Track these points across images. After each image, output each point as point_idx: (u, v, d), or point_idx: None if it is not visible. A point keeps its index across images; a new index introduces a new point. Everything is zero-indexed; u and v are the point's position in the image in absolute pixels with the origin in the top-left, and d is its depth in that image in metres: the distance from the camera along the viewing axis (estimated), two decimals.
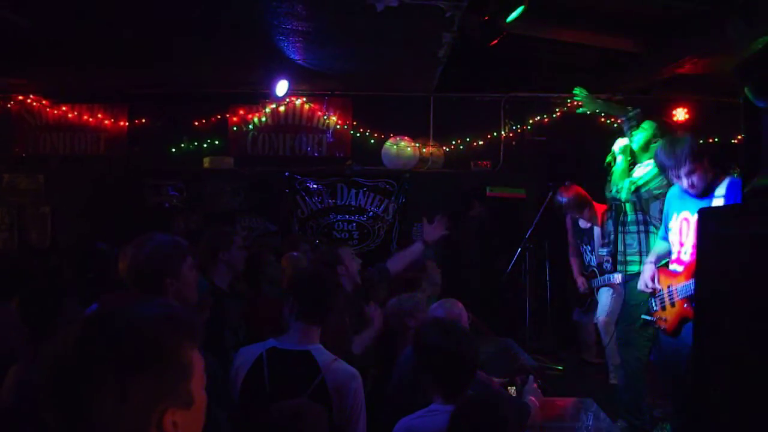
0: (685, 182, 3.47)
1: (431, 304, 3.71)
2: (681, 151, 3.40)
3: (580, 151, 7.05)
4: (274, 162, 7.67)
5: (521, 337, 5.87)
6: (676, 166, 3.44)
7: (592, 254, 5.73)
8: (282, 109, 7.74)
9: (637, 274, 3.98)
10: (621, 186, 4.44)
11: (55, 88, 7.59)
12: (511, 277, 6.13)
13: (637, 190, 4.34)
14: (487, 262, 6.94)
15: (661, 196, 4.13)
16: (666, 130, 4.52)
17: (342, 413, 2.33)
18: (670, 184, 3.89)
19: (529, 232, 5.92)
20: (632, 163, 4.60)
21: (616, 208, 4.55)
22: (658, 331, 3.74)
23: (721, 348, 1.63)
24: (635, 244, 4.34)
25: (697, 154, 3.41)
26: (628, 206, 4.42)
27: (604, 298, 5.54)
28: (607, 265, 5.28)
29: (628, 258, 4.36)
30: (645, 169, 4.37)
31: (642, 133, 4.56)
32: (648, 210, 4.32)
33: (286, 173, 7.45)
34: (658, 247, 3.90)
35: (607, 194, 4.62)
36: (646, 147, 4.48)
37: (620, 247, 4.44)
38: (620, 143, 4.72)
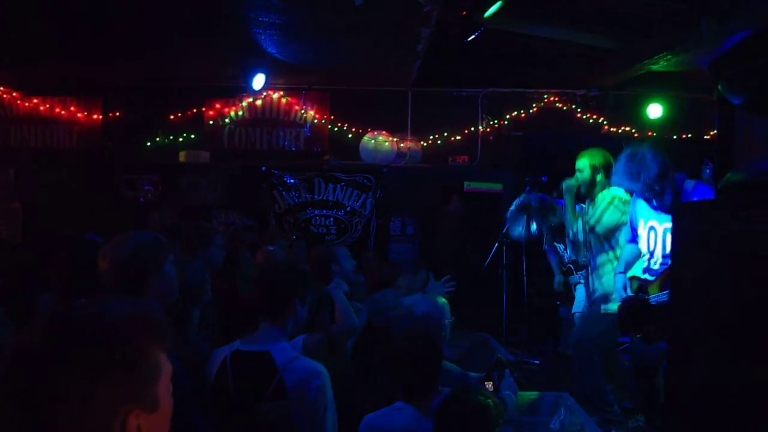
0: (654, 203, 3.46)
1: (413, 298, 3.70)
2: (646, 174, 3.32)
3: (557, 145, 7.10)
4: (250, 156, 7.64)
5: (498, 332, 5.90)
6: (643, 190, 3.38)
7: (567, 251, 5.77)
8: (259, 103, 7.69)
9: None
10: (576, 228, 4.44)
11: (25, 80, 7.45)
12: (488, 271, 6.15)
13: (592, 229, 4.34)
14: (464, 257, 6.96)
15: (622, 225, 4.10)
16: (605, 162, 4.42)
17: (304, 412, 2.29)
18: (624, 213, 3.90)
19: (507, 226, 5.94)
20: (583, 199, 4.59)
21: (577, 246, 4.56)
22: (633, 338, 3.76)
23: (697, 347, 1.65)
24: (609, 279, 4.19)
25: (664, 174, 3.34)
26: (593, 242, 4.38)
27: (581, 293, 5.59)
28: (584, 260, 5.33)
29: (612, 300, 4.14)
30: (597, 204, 4.35)
31: (582, 172, 4.51)
32: (613, 241, 4.27)
33: (263, 168, 7.41)
34: (626, 253, 3.85)
35: (568, 238, 4.63)
36: (592, 183, 4.45)
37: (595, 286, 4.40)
38: (566, 183, 4.70)
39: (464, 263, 6.90)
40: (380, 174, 7.47)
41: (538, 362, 5.71)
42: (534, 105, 7.71)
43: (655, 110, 7.50)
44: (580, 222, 4.46)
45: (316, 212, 7.46)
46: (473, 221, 7.05)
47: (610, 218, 4.25)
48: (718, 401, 1.50)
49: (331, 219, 7.47)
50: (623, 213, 4.15)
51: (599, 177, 4.50)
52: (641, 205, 3.65)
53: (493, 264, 6.12)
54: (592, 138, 6.91)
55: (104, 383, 0.97)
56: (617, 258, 4.17)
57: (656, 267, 3.53)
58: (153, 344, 1.05)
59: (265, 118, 7.73)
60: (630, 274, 3.73)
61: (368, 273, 4.71)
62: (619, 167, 3.49)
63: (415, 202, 7.43)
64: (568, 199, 4.63)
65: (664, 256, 3.47)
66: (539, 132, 7.50)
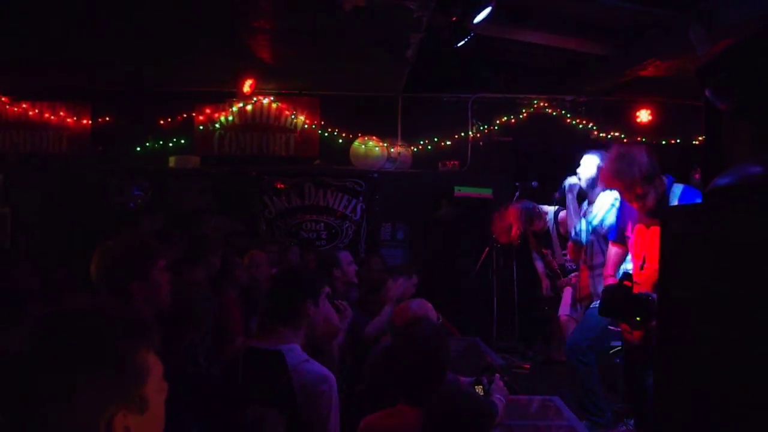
0: (636, 204, 3.43)
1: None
2: (632, 173, 3.28)
3: (546, 150, 7.14)
4: (241, 161, 7.62)
5: (488, 336, 5.91)
6: (627, 187, 3.35)
7: (553, 257, 5.80)
8: (249, 108, 7.67)
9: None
10: (579, 228, 4.46)
11: (14, 85, 7.41)
12: (478, 276, 6.17)
13: (594, 230, 4.35)
14: (455, 262, 6.98)
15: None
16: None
17: (309, 413, 2.32)
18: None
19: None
20: (583, 198, 4.63)
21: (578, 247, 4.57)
22: (623, 340, 3.76)
23: (685, 350, 1.66)
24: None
25: (649, 177, 3.30)
26: (594, 243, 4.38)
27: (567, 296, 5.61)
28: (570, 265, 5.35)
29: None
30: (599, 204, 4.37)
31: (586, 170, 4.55)
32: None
33: (253, 173, 7.42)
34: (613, 254, 3.84)
35: (571, 237, 4.63)
36: (594, 182, 4.47)
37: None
38: (569, 181, 4.72)
39: (454, 268, 6.92)
40: (371, 179, 7.48)
41: (528, 366, 5.72)
42: (524, 110, 7.74)
43: (643, 116, 7.56)
44: (582, 222, 4.46)
45: (307, 217, 7.47)
46: (463, 226, 7.07)
47: (612, 219, 4.22)
48: (707, 404, 1.51)
49: (322, 224, 7.48)
50: (621, 212, 4.17)
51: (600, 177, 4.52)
52: (628, 208, 3.66)
53: (484, 269, 6.15)
54: (581, 143, 6.95)
55: (89, 383, 0.98)
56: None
57: (642, 270, 3.53)
58: (139, 345, 1.05)
59: (255, 124, 7.71)
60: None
61: (360, 275, 4.74)
62: (607, 165, 3.47)
63: (405, 207, 7.44)
64: (570, 198, 4.64)
65: (650, 260, 3.47)
66: (529, 137, 7.54)
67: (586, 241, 4.44)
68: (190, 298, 2.57)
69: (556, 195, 4.91)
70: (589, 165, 4.55)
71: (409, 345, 2.50)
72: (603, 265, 4.25)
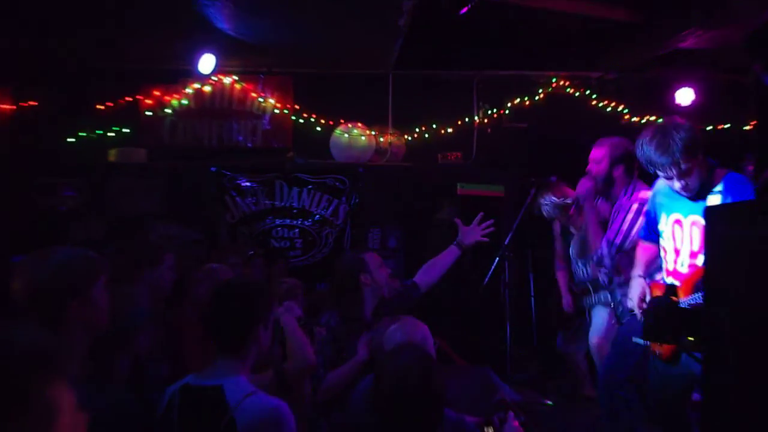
0: (677, 184, 3.48)
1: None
2: (674, 146, 3.35)
3: (569, 139, 7.16)
4: (197, 154, 7.60)
5: (501, 365, 5.91)
6: (667, 164, 3.41)
7: (585, 267, 5.82)
8: (207, 89, 7.65)
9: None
10: (602, 252, 4.46)
11: None
12: (487, 292, 6.17)
13: (619, 249, 4.37)
14: (458, 275, 6.96)
15: None
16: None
17: None
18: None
19: (509, 237, 5.98)
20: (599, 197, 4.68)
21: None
22: (652, 357, 3.79)
23: (737, 370, 1.68)
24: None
25: (693, 150, 3.37)
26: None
27: (599, 317, 5.62)
28: (604, 279, 5.39)
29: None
30: (619, 219, 4.41)
31: (598, 164, 4.60)
32: None
33: (213, 168, 7.41)
34: (644, 253, 3.92)
35: (593, 261, 4.67)
36: (609, 179, 4.54)
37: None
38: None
39: (459, 281, 6.91)
40: (355, 175, 7.50)
41: (551, 403, 5.73)
42: (540, 91, 7.78)
43: (685, 96, 7.61)
44: (605, 244, 4.48)
45: (278, 222, 7.47)
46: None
47: (638, 229, 4.25)
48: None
49: (296, 230, 7.49)
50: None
51: (618, 172, 4.55)
52: (663, 197, 3.71)
53: (494, 282, 6.15)
54: (610, 129, 6.97)
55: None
56: None
57: (684, 269, 3.57)
58: (49, 379, 1.07)
59: (214, 109, 7.70)
60: (651, 278, 3.80)
61: None
62: (646, 136, 3.51)
63: (398, 208, 7.46)
64: (589, 209, 4.65)
65: (692, 255, 3.52)
66: (547, 123, 7.57)
67: (611, 266, 4.47)
68: (116, 314, 2.56)
69: (576, 198, 4.91)
70: (603, 158, 4.59)
71: (389, 379, 2.50)
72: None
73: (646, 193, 4.26)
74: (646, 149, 3.46)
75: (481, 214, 4.54)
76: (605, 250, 4.43)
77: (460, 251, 4.41)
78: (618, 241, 4.38)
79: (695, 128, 3.44)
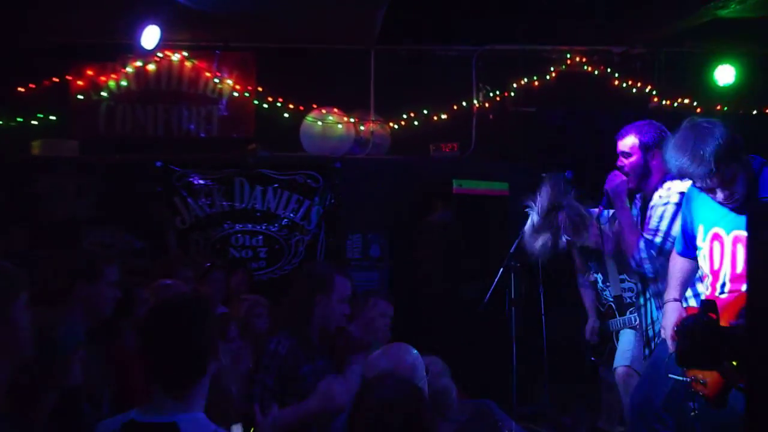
0: (720, 195, 3.45)
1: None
2: (709, 152, 3.31)
3: (587, 126, 7.17)
4: (139, 147, 7.61)
5: (505, 397, 5.90)
6: (705, 175, 3.37)
7: (606, 284, 5.81)
8: (151, 68, 7.62)
9: None
10: (640, 256, 4.34)
11: None
12: (490, 309, 6.16)
13: (660, 251, 4.28)
14: (455, 288, 6.97)
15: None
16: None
17: None
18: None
19: (515, 244, 5.96)
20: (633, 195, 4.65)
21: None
22: (696, 398, 3.77)
23: None
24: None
25: (734, 153, 3.33)
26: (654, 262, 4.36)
27: (626, 341, 5.62)
28: (630, 296, 5.37)
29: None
30: (658, 205, 4.35)
31: (628, 156, 4.52)
32: None
33: (159, 163, 7.38)
34: (678, 271, 3.87)
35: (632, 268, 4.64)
36: (645, 170, 4.46)
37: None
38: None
39: (455, 297, 6.91)
40: (331, 171, 7.52)
41: None
42: (552, 69, 7.80)
43: (725, 74, 7.62)
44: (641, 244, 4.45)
45: (238, 227, 7.48)
46: (468, 237, 7.06)
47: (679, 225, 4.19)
48: None
49: (261, 237, 7.51)
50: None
51: (656, 160, 4.52)
52: (701, 204, 3.67)
53: (498, 298, 6.14)
54: (636, 114, 7.00)
55: None
56: None
57: (724, 296, 3.56)
58: None
59: (160, 91, 7.69)
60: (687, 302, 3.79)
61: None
62: (674, 141, 3.47)
63: (382, 211, 7.47)
64: (620, 205, 4.62)
65: (734, 280, 3.50)
66: (560, 107, 7.59)
67: (653, 273, 4.41)
68: (42, 339, 2.53)
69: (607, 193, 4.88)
70: (633, 148, 4.56)
71: (367, 416, 2.49)
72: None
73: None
74: (677, 159, 3.43)
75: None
76: (643, 253, 4.33)
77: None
78: (658, 241, 4.27)
79: (730, 127, 3.38)
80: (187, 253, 7.23)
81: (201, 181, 7.43)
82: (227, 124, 7.77)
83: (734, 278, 3.47)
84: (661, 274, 4.35)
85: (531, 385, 6.38)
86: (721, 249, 3.55)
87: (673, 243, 4.17)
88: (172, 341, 2.48)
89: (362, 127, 7.65)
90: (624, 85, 7.76)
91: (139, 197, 7.36)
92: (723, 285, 3.54)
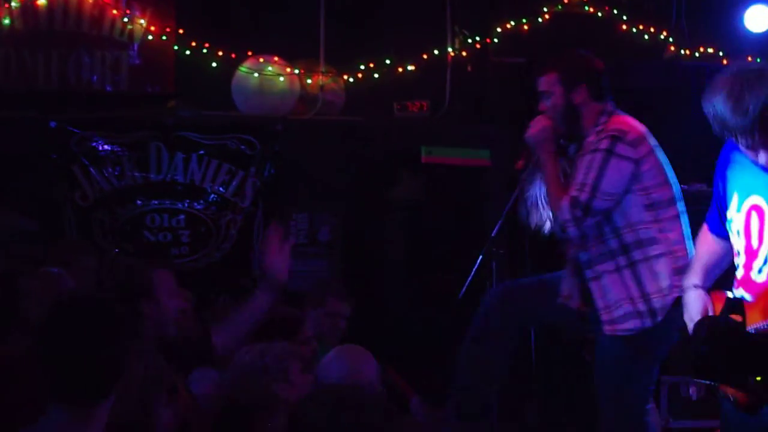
0: (764, 157, 3.48)
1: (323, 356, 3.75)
2: (755, 102, 3.31)
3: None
4: (27, 102, 7.52)
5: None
6: (744, 129, 3.37)
7: None
8: (42, 2, 7.55)
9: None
10: (562, 220, 4.56)
11: None
12: (467, 305, 6.19)
13: (587, 210, 4.46)
14: (423, 280, 7.00)
15: (632, 188, 4.43)
16: None
17: None
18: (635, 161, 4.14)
19: (498, 226, 6.01)
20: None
21: None
22: (722, 401, 3.82)
23: None
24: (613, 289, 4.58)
25: None
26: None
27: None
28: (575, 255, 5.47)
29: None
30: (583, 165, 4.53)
31: (550, 96, 4.73)
32: (618, 217, 4.58)
33: (53, 123, 7.32)
34: (704, 253, 3.91)
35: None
36: (570, 112, 4.67)
37: None
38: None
39: (424, 291, 6.93)
40: (271, 135, 7.52)
41: None
42: (546, 10, 7.83)
43: (758, 18, 7.69)
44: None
45: (154, 204, 7.46)
46: (439, 217, 7.09)
47: (612, 176, 4.39)
48: None
49: (182, 217, 7.50)
50: (634, 162, 4.39)
51: (580, 97, 4.65)
52: (738, 166, 3.71)
53: (476, 291, 6.18)
54: (649, 66, 7.06)
55: None
56: (626, 248, 4.45)
57: (761, 277, 3.59)
58: None
59: (54, 32, 7.61)
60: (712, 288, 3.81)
61: None
62: (715, 84, 3.46)
63: (334, 184, 7.49)
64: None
65: None
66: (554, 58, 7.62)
67: (579, 238, 4.58)
68: None
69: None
70: (553, 85, 4.71)
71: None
72: (604, 259, 4.56)
73: (625, 121, 4.53)
74: (718, 106, 3.45)
75: (273, 225, 4.66)
76: (568, 214, 4.48)
77: (274, 294, 4.35)
78: (583, 197, 4.43)
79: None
80: (90, 237, 7.21)
81: (107, 147, 7.39)
82: (139, 76, 7.70)
83: None
84: (590, 239, 4.56)
85: (516, 398, 6.44)
86: (760, 223, 3.57)
87: (605, 200, 4.41)
88: (82, 349, 2.48)
89: (309, 81, 7.65)
90: (634, 30, 7.79)
91: (27, 166, 7.30)
92: (762, 267, 3.57)
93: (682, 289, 3.97)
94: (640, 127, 4.56)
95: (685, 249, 4.52)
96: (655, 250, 4.49)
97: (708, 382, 3.69)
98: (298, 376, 3.53)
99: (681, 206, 4.61)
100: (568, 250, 5.16)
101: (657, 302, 4.50)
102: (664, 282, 4.49)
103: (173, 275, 4.56)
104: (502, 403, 6.06)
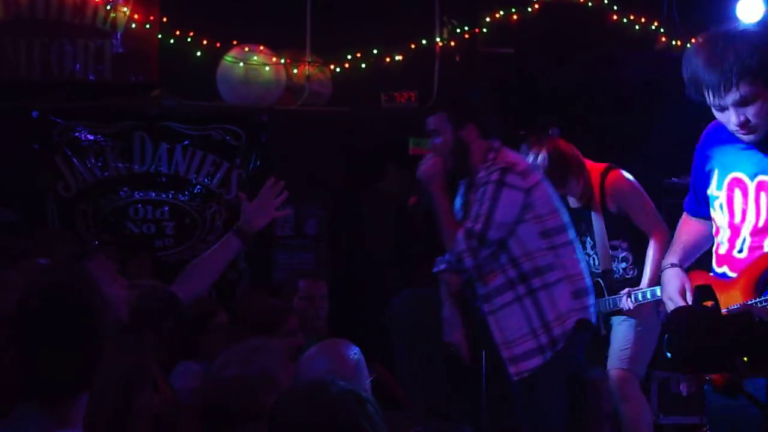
0: (733, 120, 3.46)
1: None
2: (731, 57, 3.22)
3: (577, 71, 7.19)
4: (10, 92, 7.49)
5: (474, 416, 5.92)
6: (718, 84, 3.27)
7: (594, 252, 5.84)
8: None
9: None
10: (458, 252, 4.66)
11: None
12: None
13: (482, 240, 4.63)
14: (409, 276, 6.97)
15: (526, 221, 4.65)
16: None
17: None
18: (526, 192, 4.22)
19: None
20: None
21: None
22: (707, 392, 3.81)
23: None
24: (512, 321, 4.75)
25: (759, 69, 3.24)
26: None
27: (622, 338, 5.66)
28: (620, 269, 5.44)
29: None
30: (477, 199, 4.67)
31: (436, 133, 4.85)
32: (513, 246, 4.72)
33: (35, 113, 7.32)
34: (684, 233, 3.90)
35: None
36: (459, 149, 4.77)
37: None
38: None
39: (410, 287, 6.90)
40: (256, 125, 7.56)
41: None
42: (535, 0, 7.80)
43: (750, 8, 7.68)
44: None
45: (138, 195, 7.45)
46: (427, 210, 7.06)
47: (505, 206, 4.55)
48: None
49: (167, 208, 7.53)
50: (524, 191, 4.55)
51: (471, 134, 4.77)
52: (719, 144, 3.68)
53: (464, 285, 6.15)
54: (640, 57, 7.04)
55: None
56: (524, 277, 4.64)
57: (743, 254, 3.57)
58: None
59: (36, 21, 7.58)
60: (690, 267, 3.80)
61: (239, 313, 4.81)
62: (694, 49, 3.45)
63: (320, 176, 7.47)
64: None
65: (755, 233, 3.50)
66: (544, 49, 7.62)
67: (475, 269, 4.71)
68: None
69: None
70: (439, 125, 4.83)
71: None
72: (502, 291, 4.73)
73: (512, 156, 4.74)
74: (693, 61, 3.42)
75: (272, 180, 4.71)
76: (463, 244, 4.63)
77: (243, 242, 4.47)
78: (477, 228, 4.57)
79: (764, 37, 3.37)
80: (72, 229, 7.20)
81: (90, 137, 7.42)
82: (123, 65, 7.68)
83: (756, 232, 3.46)
84: (485, 270, 4.72)
85: (505, 399, 6.41)
86: (743, 198, 3.55)
87: (498, 230, 4.59)
88: (58, 340, 2.44)
89: (295, 71, 7.63)
90: (624, 20, 7.77)
91: (9, 156, 7.29)
92: (743, 241, 3.55)
93: (580, 311, 4.57)
94: (525, 162, 4.90)
95: (581, 272, 4.79)
96: (553, 276, 4.68)
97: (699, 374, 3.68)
98: (285, 380, 3.51)
99: (572, 233, 4.85)
100: (451, 285, 5.32)
101: (557, 330, 4.70)
102: (564, 307, 4.69)
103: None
104: (489, 404, 6.06)
